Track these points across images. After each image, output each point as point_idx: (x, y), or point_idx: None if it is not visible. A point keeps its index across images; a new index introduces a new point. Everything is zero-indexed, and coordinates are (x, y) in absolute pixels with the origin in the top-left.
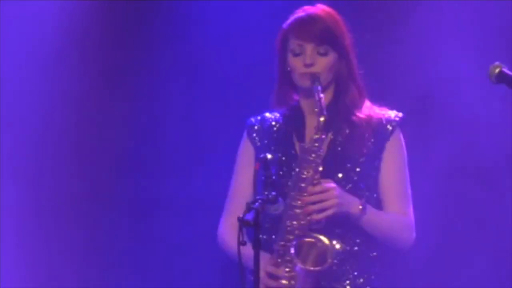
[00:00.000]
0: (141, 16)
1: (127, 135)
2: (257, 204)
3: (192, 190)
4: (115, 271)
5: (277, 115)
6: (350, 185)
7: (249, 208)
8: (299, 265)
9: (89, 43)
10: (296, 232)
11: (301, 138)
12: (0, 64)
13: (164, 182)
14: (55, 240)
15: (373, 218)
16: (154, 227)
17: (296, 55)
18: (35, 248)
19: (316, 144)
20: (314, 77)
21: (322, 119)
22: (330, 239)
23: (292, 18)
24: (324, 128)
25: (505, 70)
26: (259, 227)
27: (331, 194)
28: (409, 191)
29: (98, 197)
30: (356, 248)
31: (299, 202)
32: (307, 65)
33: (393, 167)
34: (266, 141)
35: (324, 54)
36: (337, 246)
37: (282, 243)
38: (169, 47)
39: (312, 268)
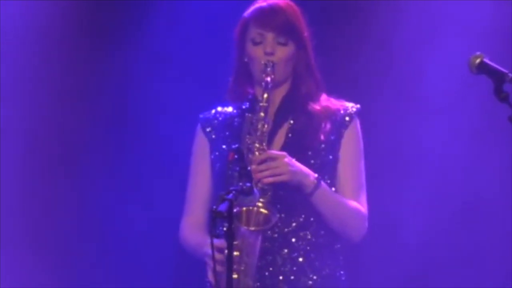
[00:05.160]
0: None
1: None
2: (231, 195)
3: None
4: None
5: (232, 108)
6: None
7: (222, 199)
8: (243, 228)
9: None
10: None
11: None
12: None
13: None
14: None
15: (326, 195)
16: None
17: (256, 43)
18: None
19: (262, 114)
20: (269, 62)
21: (265, 95)
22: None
23: (253, 7)
24: (268, 101)
25: (487, 60)
26: (232, 218)
27: (280, 161)
28: (364, 182)
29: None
30: (320, 240)
31: None
32: (267, 53)
33: (350, 157)
34: (222, 135)
35: (284, 44)
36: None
37: None
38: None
39: (254, 228)
